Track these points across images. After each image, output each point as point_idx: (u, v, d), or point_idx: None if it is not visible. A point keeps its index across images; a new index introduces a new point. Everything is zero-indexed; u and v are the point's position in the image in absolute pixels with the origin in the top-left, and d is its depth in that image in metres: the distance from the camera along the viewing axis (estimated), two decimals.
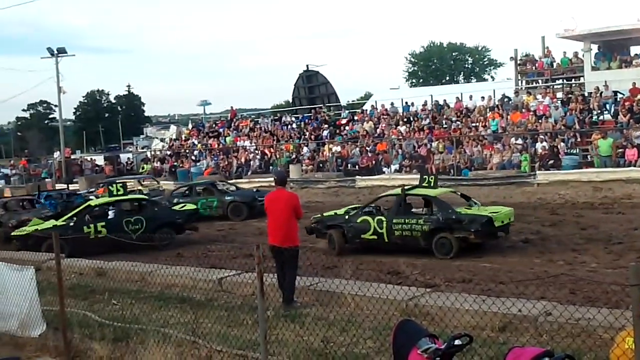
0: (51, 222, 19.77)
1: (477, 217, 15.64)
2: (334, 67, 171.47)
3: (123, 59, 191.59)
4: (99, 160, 48.88)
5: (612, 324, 6.55)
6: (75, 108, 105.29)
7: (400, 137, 33.59)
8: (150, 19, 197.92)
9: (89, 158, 50.66)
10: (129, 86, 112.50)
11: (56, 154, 49.83)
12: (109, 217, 20.06)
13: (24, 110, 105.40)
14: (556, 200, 23.18)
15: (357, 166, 32.55)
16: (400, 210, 16.36)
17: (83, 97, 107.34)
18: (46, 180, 36.16)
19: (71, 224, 19.26)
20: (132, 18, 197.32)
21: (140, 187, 30.99)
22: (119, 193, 20.49)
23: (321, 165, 34.25)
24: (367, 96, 60.63)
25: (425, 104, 36.88)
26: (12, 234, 20.02)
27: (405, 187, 16.97)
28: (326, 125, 38.92)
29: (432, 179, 17.24)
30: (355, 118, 39.36)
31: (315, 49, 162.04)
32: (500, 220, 15.87)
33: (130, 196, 21.73)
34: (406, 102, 38.26)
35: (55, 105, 59.43)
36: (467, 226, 15.44)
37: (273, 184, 12.78)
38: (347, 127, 38.00)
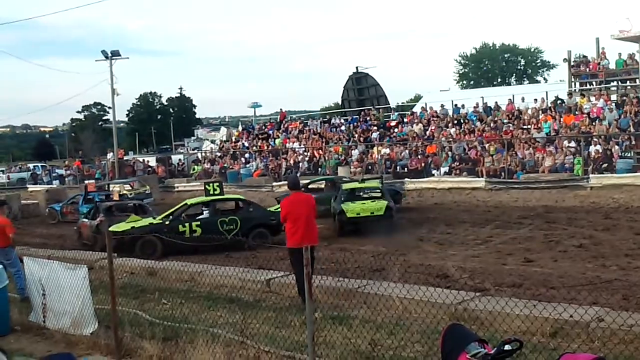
0: (147, 220, 19.81)
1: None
2: (384, 68, 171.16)
3: (175, 62, 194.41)
4: (151, 161, 49.56)
5: None
6: (128, 110, 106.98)
7: (450, 140, 33.34)
8: (203, 21, 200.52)
9: (141, 159, 51.40)
10: (180, 88, 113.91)
11: (109, 155, 50.72)
12: (204, 216, 20.18)
13: (78, 112, 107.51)
14: (610, 205, 22.73)
15: (406, 168, 32.42)
16: None
17: (136, 99, 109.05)
18: (87, 182, 36.71)
19: (167, 222, 19.36)
20: (185, 21, 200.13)
21: (125, 192, 31.63)
22: (215, 192, 20.88)
23: (370, 167, 34.16)
24: (417, 98, 60.34)
25: (476, 106, 36.53)
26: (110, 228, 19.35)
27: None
28: (375, 127, 38.83)
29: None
30: (405, 120, 39.20)
31: (366, 51, 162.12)
32: (356, 212, 18.91)
33: (227, 196, 22.08)
34: (456, 104, 37.96)
35: (109, 107, 60.43)
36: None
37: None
38: (396, 129, 37.87)
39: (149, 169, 46.26)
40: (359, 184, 23.19)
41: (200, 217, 20.10)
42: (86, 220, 22.17)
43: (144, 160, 50.21)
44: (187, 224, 19.32)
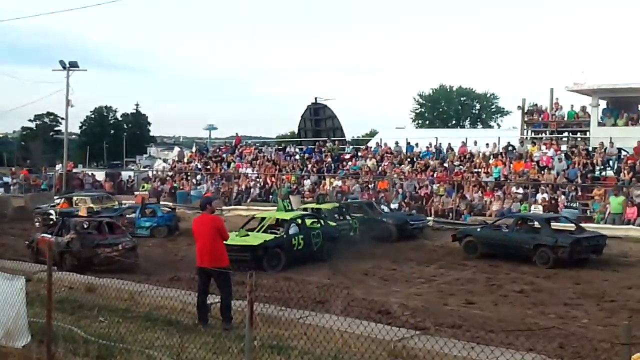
0: (263, 236, 20.85)
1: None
2: (343, 101, 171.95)
3: (133, 78, 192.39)
4: (100, 176, 48.83)
5: None
6: (81, 122, 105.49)
7: (402, 177, 33.63)
8: (165, 40, 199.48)
9: (90, 173, 50.60)
10: (137, 105, 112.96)
11: (58, 167, 49.80)
12: (292, 231, 21.44)
13: (30, 120, 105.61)
14: (598, 258, 23.03)
15: None
16: None
17: (90, 112, 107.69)
18: (140, 193, 36.03)
19: (284, 235, 21.04)
20: (148, 38, 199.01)
21: (91, 205, 30.39)
22: (287, 208, 23.67)
23: (321, 198, 34.19)
24: (373, 133, 60.80)
25: (429, 146, 36.96)
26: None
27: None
28: (329, 159, 38.98)
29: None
30: (359, 154, 39.42)
31: (325, 82, 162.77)
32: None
33: (303, 212, 24.10)
34: (410, 142, 38.34)
35: (62, 118, 59.56)
36: None
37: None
38: (350, 163, 38.05)
39: (97, 183, 45.57)
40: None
41: (294, 231, 21.44)
42: (47, 235, 21.19)
43: (92, 174, 49.44)
44: (296, 238, 21.04)
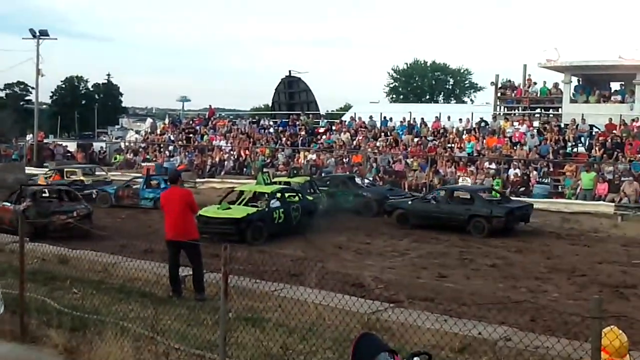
0: (245, 209, 20.68)
1: None
2: (317, 74, 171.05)
3: (105, 47, 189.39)
4: (72, 146, 48.35)
5: (570, 355, 6.61)
6: (52, 92, 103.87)
7: (376, 151, 33.71)
8: (138, 8, 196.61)
9: (61, 143, 50.06)
10: (108, 75, 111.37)
11: (29, 137, 49.27)
12: (273, 205, 21.25)
13: (0, 89, 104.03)
14: (524, 228, 23.37)
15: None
16: None
17: (61, 81, 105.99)
18: (147, 165, 35.82)
19: (266, 209, 20.80)
20: (119, 7, 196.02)
21: (82, 177, 30.48)
22: (267, 182, 23.28)
23: (295, 171, 34.22)
24: (347, 107, 60.73)
25: (403, 120, 37.04)
26: (208, 214, 20.05)
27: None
28: (303, 133, 38.93)
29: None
30: (333, 128, 39.41)
31: (300, 56, 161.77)
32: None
33: (283, 186, 23.95)
34: (385, 117, 38.40)
35: (32, 88, 58.83)
36: None
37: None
38: (324, 136, 38.04)
39: (69, 154, 45.13)
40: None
41: (276, 205, 21.24)
42: (7, 204, 21.09)
43: (63, 145, 48.92)
44: (277, 211, 20.89)
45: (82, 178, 30.29)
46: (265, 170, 29.09)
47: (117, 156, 42.92)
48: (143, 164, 38.16)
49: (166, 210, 12.31)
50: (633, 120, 30.07)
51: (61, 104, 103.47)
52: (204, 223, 19.19)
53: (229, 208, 20.66)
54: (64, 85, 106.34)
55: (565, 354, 6.89)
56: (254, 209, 20.72)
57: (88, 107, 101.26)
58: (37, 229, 18.78)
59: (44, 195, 22.39)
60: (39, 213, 20.04)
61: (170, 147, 41.36)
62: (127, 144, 47.47)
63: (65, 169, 32.60)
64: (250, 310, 10.57)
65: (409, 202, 24.06)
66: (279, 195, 21.72)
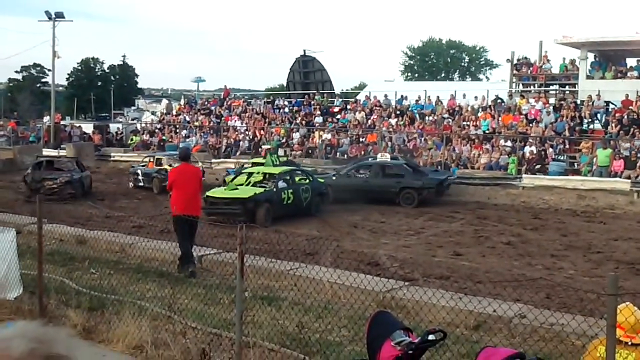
0: (253, 189, 20.64)
1: None
2: (331, 54, 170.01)
3: (121, 29, 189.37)
4: (88, 128, 48.52)
5: (585, 332, 6.63)
6: (68, 74, 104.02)
7: (391, 130, 33.62)
8: None
9: (78, 125, 50.25)
10: (124, 56, 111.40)
11: (46, 119, 49.45)
12: (281, 186, 21.48)
13: (17, 71, 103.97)
14: (539, 205, 23.34)
15: (346, 155, 32.58)
16: None
17: (78, 63, 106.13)
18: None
19: (274, 189, 20.95)
20: None
21: (166, 166, 30.24)
22: (275, 163, 23.41)
23: (310, 151, 34.25)
24: (362, 86, 60.51)
25: (419, 99, 36.89)
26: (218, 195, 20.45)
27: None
28: (318, 112, 38.87)
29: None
30: (348, 107, 39.31)
31: (314, 35, 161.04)
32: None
33: (293, 167, 24.43)
34: (400, 95, 38.25)
35: (49, 70, 59.02)
36: None
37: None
38: (339, 116, 37.95)
39: (85, 135, 45.32)
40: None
41: (284, 185, 21.44)
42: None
43: (80, 126, 49.11)
44: (286, 192, 21.01)
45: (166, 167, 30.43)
46: (275, 150, 29.06)
47: (134, 137, 43.03)
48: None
49: (178, 186, 12.46)
50: None
51: (77, 85, 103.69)
52: (210, 204, 19.38)
53: (236, 189, 20.69)
54: (80, 67, 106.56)
55: (581, 331, 6.92)
56: (262, 189, 20.77)
57: (104, 88, 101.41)
58: (32, 191, 24.00)
59: (40, 166, 27.33)
60: (34, 179, 25.57)
61: (187, 129, 41.41)
62: (143, 125, 47.56)
63: (157, 157, 32.56)
64: (266, 289, 10.65)
65: (333, 178, 24.52)
66: (287, 177, 21.74)
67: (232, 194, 20.20)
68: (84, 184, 26.47)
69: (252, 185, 21.19)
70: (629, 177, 25.00)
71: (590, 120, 30.29)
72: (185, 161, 13.40)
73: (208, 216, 18.83)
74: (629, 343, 4.77)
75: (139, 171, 28.66)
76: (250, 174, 22.35)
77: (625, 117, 28.36)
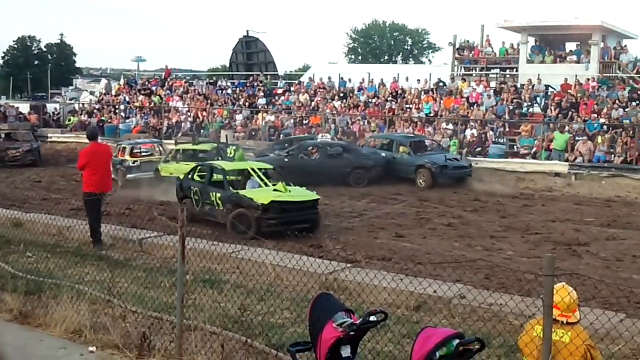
0: (295, 189, 16.94)
1: None
2: (275, 35, 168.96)
3: (58, 5, 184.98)
4: (24, 108, 47.32)
5: (523, 312, 6.76)
6: (4, 52, 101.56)
7: (335, 112, 33.65)
8: None
9: (13, 105, 48.96)
10: (62, 35, 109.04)
11: None
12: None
13: None
14: (480, 187, 23.65)
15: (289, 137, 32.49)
16: None
17: (13, 41, 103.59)
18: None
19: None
20: None
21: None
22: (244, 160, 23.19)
23: (253, 133, 34.07)
24: (305, 68, 60.49)
25: (362, 81, 36.97)
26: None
27: None
28: (262, 94, 38.65)
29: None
30: (292, 89, 39.19)
31: (258, 15, 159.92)
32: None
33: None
34: (343, 78, 38.28)
35: None
36: None
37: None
38: (282, 97, 37.82)
39: (21, 116, 44.21)
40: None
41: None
42: None
43: (17, 107, 47.86)
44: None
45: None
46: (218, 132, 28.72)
47: (71, 118, 42.16)
48: None
49: (92, 165, 12.87)
50: (588, 80, 30.41)
51: (13, 64, 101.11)
52: (282, 211, 15.80)
53: (283, 190, 16.40)
54: (16, 46, 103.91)
55: (518, 311, 7.04)
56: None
57: (41, 67, 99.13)
58: None
59: (3, 136, 31.50)
60: None
61: (126, 109, 40.71)
62: (81, 105, 46.59)
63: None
64: (208, 272, 10.57)
65: (285, 160, 23.98)
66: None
67: (296, 196, 16.30)
68: (40, 153, 31.02)
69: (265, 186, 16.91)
70: (566, 160, 25.47)
71: (529, 103, 30.78)
72: (94, 140, 13.72)
73: (282, 225, 14.99)
74: (565, 322, 4.87)
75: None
76: (213, 169, 17.77)
77: (564, 100, 28.90)
